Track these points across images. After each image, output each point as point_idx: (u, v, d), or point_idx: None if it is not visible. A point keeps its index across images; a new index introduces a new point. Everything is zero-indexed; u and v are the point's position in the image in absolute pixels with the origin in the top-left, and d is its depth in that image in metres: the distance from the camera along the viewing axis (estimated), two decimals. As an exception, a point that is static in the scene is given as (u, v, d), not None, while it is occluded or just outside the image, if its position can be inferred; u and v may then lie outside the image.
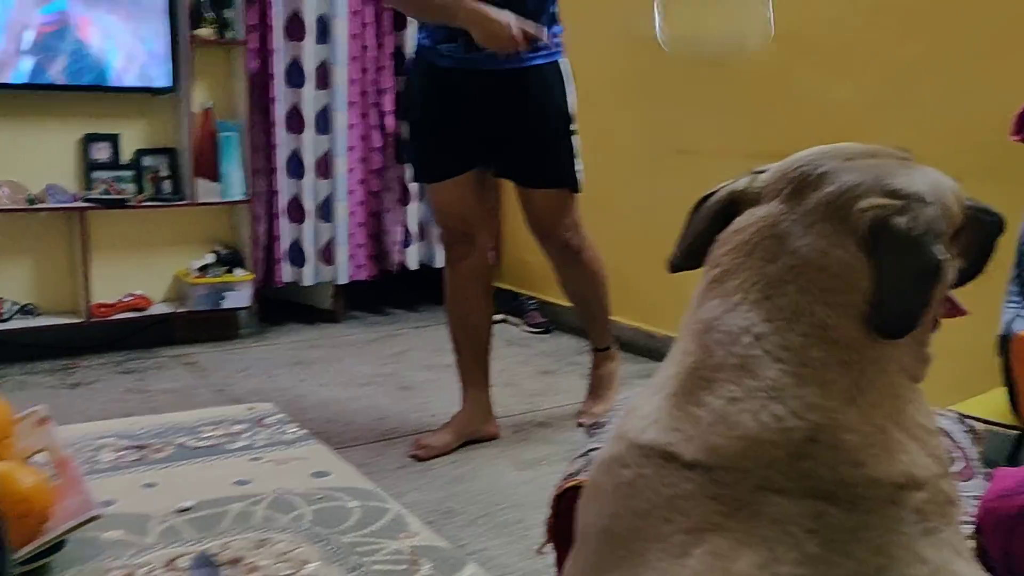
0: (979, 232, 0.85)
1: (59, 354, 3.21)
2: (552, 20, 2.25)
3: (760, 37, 2.16)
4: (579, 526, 0.80)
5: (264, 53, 3.51)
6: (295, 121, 3.60)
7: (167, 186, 3.44)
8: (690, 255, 0.85)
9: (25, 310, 3.21)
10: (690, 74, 3.04)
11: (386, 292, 4.13)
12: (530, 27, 2.11)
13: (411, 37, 3.75)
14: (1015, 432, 1.87)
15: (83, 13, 3.17)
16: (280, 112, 3.55)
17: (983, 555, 0.89)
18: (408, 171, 3.85)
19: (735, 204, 0.82)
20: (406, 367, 3.17)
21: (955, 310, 0.88)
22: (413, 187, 3.86)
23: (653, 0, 2.19)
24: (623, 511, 0.73)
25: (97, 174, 3.33)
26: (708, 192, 0.86)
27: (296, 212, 3.65)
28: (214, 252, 3.49)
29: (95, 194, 3.25)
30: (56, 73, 3.15)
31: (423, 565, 1.67)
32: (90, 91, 3.26)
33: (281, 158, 3.58)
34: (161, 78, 3.31)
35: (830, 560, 0.65)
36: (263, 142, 3.57)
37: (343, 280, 3.76)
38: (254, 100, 3.51)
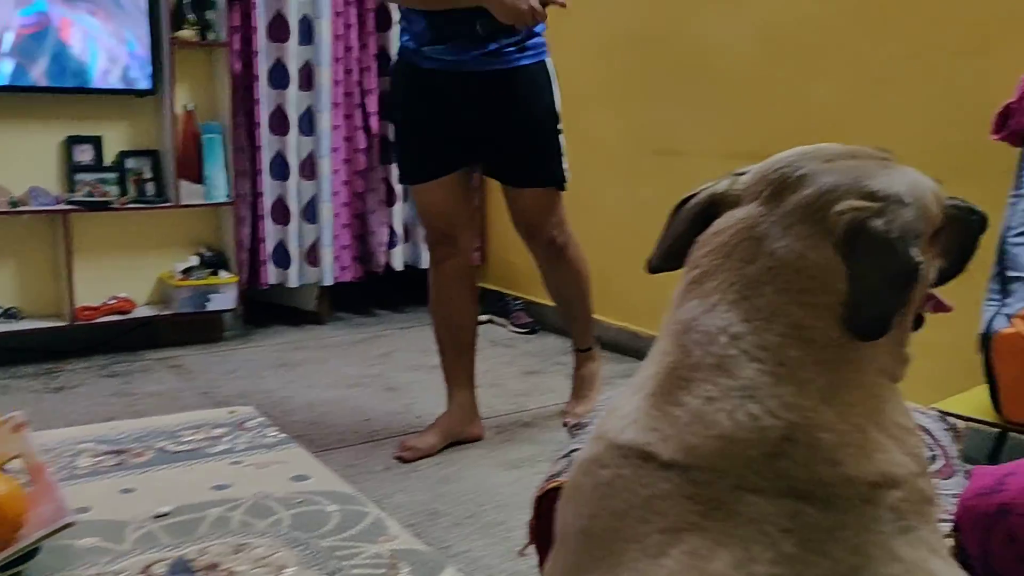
0: (961, 231, 0.85)
1: (43, 358, 3.19)
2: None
3: None
4: (558, 527, 0.80)
5: (248, 54, 3.50)
6: (279, 122, 3.58)
7: (150, 188, 3.43)
8: (669, 257, 0.85)
9: (8, 313, 3.19)
10: (671, 74, 3.04)
11: (371, 293, 4.12)
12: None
13: (395, 38, 3.75)
14: (996, 430, 1.88)
15: (63, 15, 3.16)
16: (264, 114, 3.54)
17: (962, 553, 0.89)
18: (394, 172, 3.85)
19: (715, 206, 0.83)
20: (392, 368, 3.16)
21: (940, 307, 0.88)
22: (398, 188, 3.85)
23: None
24: (601, 511, 0.73)
25: (80, 176, 3.31)
26: (688, 194, 0.86)
27: (281, 214, 3.64)
28: (198, 254, 3.48)
29: (78, 196, 3.24)
30: (37, 75, 3.13)
31: (402, 569, 1.67)
32: (72, 93, 3.24)
33: (265, 160, 3.57)
34: (142, 80, 3.29)
35: (806, 559, 0.65)
36: (247, 144, 3.56)
37: (328, 282, 3.75)
38: (238, 102, 3.49)
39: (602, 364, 2.68)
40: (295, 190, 3.64)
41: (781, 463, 0.68)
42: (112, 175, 3.37)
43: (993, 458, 2.00)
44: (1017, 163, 1.81)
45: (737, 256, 0.76)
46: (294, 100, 3.58)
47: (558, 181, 2.36)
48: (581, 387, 2.59)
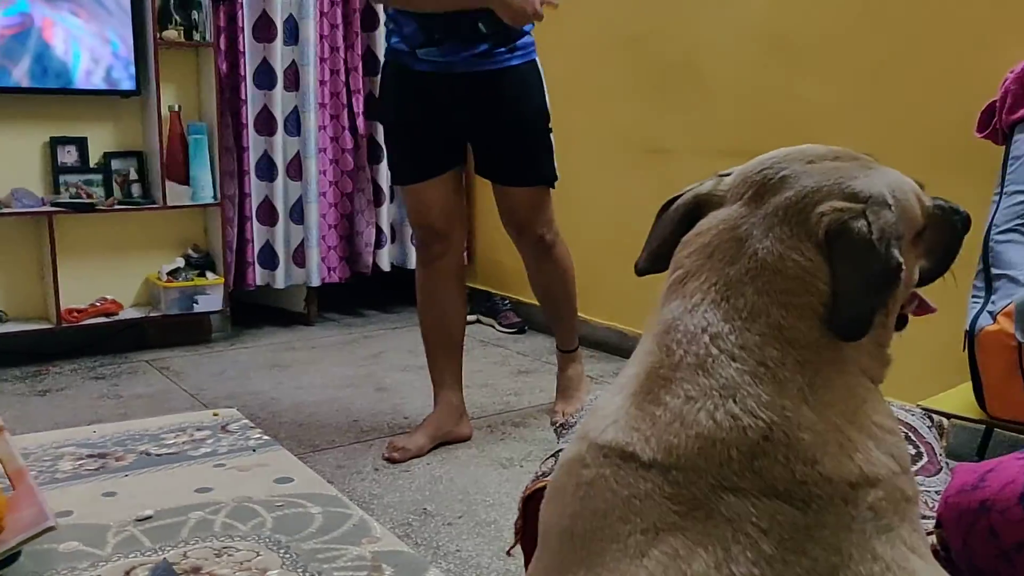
0: (944, 231, 0.86)
1: (28, 360, 3.17)
2: None
3: None
4: (541, 527, 0.80)
5: (233, 55, 3.49)
6: (265, 123, 3.57)
7: (136, 189, 3.41)
8: (656, 258, 0.85)
9: (-7, 316, 3.17)
10: (660, 73, 3.04)
11: (359, 294, 4.11)
12: None
13: (381, 38, 3.74)
14: (982, 426, 1.88)
15: (46, 15, 3.14)
16: (250, 114, 3.53)
17: (945, 549, 0.89)
18: (381, 172, 3.84)
19: (700, 207, 0.83)
20: (381, 369, 3.15)
21: (923, 307, 0.89)
22: (385, 188, 3.85)
23: None
24: (583, 511, 0.73)
25: (65, 178, 3.29)
26: (674, 196, 0.87)
27: (267, 215, 3.63)
28: (185, 256, 3.47)
29: (63, 198, 3.22)
30: (20, 75, 3.11)
31: (385, 570, 1.66)
32: (55, 94, 3.22)
33: (252, 160, 3.56)
34: (126, 80, 3.28)
35: (785, 559, 0.65)
36: (234, 144, 3.54)
37: (315, 283, 3.74)
38: (224, 102, 3.48)
39: (585, 365, 2.69)
40: (282, 191, 3.63)
41: (760, 463, 0.68)
42: (97, 176, 3.35)
43: (981, 454, 2.00)
44: (1001, 161, 1.82)
45: (719, 257, 0.77)
46: (280, 100, 3.56)
47: (548, 179, 2.38)
48: (567, 387, 2.60)
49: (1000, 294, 1.66)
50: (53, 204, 3.19)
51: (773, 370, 0.71)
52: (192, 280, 3.39)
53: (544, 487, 1.02)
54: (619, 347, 3.20)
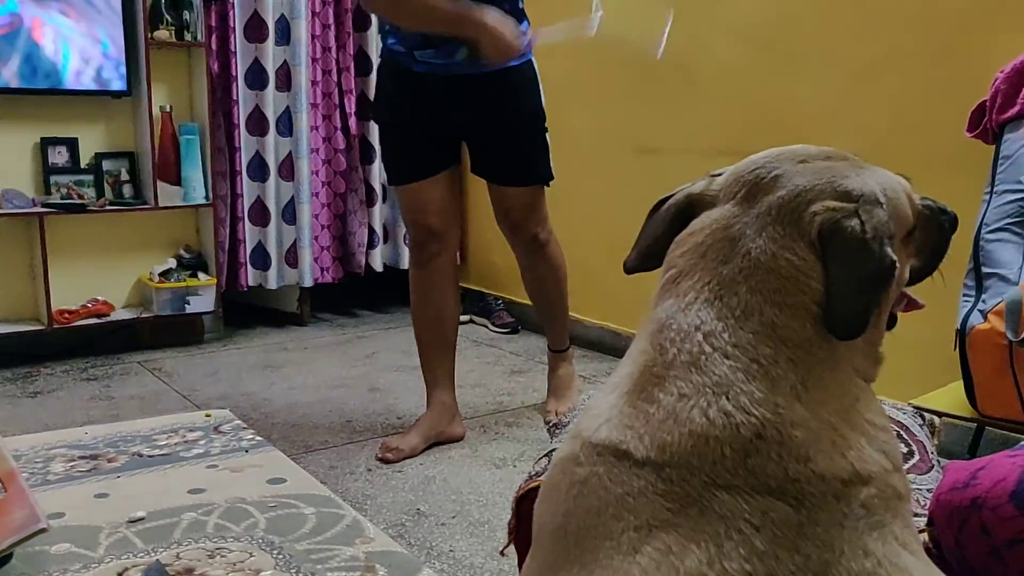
0: (932, 231, 0.86)
1: (20, 362, 3.16)
2: (520, 17, 2.28)
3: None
4: (535, 525, 0.80)
5: (225, 55, 3.48)
6: (257, 123, 3.56)
7: (128, 190, 3.40)
8: (646, 257, 0.86)
9: (-17, 318, 3.16)
10: (651, 72, 3.04)
11: (352, 294, 4.10)
12: (523, 35, 2.16)
13: (373, 39, 3.74)
14: (974, 424, 1.88)
15: (35, 15, 3.12)
16: (242, 114, 3.52)
17: (936, 546, 0.90)
18: (373, 172, 3.84)
19: (692, 207, 0.83)
20: (374, 369, 3.15)
21: (912, 305, 0.89)
22: (378, 188, 3.84)
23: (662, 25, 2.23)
24: (576, 509, 0.73)
25: (56, 178, 3.28)
26: (665, 196, 0.87)
27: (260, 215, 3.62)
28: (177, 257, 3.46)
29: (54, 199, 3.21)
30: (10, 76, 3.10)
31: (378, 571, 1.65)
32: (46, 94, 3.21)
33: (244, 161, 3.55)
34: (116, 80, 3.27)
35: (778, 555, 0.66)
36: (226, 145, 3.53)
37: (308, 283, 3.73)
38: (216, 102, 3.47)
39: (578, 365, 2.70)
40: (274, 191, 3.62)
41: (753, 460, 0.68)
42: (88, 177, 3.34)
43: (972, 452, 2.01)
44: (992, 161, 1.82)
45: (712, 256, 0.77)
46: (272, 101, 3.56)
47: (544, 179, 2.39)
48: (559, 387, 2.61)
49: (991, 293, 1.67)
50: (44, 205, 3.18)
51: (766, 368, 0.71)
52: (184, 281, 3.39)
53: (537, 487, 1.03)
54: (612, 347, 3.21)
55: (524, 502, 1.13)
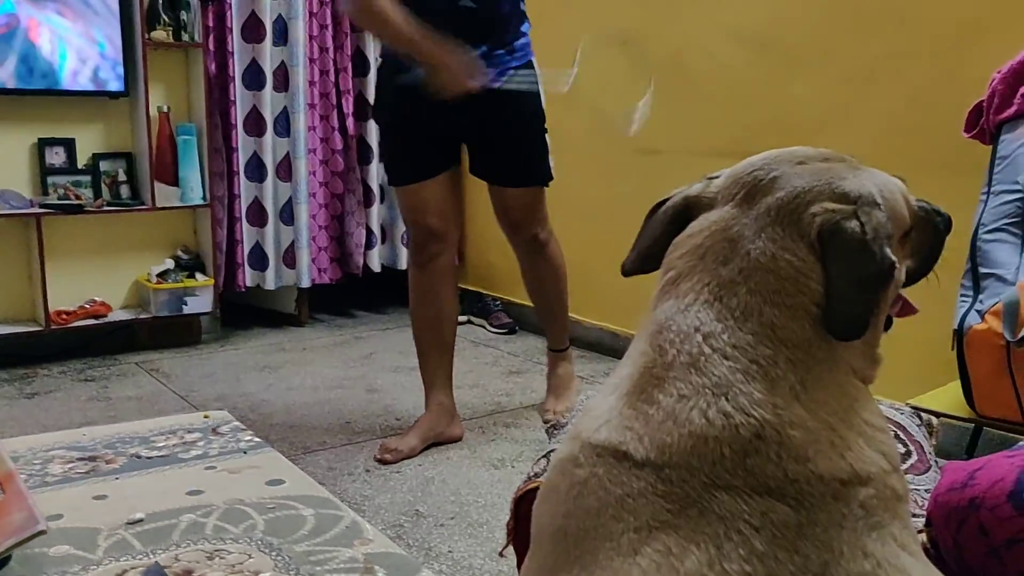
0: (928, 232, 0.87)
1: (17, 363, 3.16)
2: (522, 18, 2.28)
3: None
4: (534, 527, 0.80)
5: (222, 55, 3.48)
6: (255, 124, 3.56)
7: (125, 191, 3.40)
8: (644, 259, 0.86)
9: (-20, 319, 3.16)
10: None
11: (350, 295, 4.10)
12: (483, 75, 2.15)
13: (370, 39, 3.74)
14: (971, 424, 1.89)
15: (32, 15, 3.12)
16: (239, 115, 3.52)
17: (935, 547, 0.90)
18: (371, 173, 3.83)
19: (690, 209, 0.83)
20: (372, 370, 3.15)
21: (906, 308, 0.90)
22: (376, 189, 3.84)
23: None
24: (576, 510, 0.73)
25: (53, 179, 3.28)
26: (662, 199, 0.87)
27: (257, 216, 3.62)
28: (174, 257, 3.45)
29: (51, 199, 3.20)
30: (6, 76, 3.10)
31: (377, 572, 1.65)
32: (43, 95, 3.21)
33: (241, 161, 3.55)
34: (113, 81, 3.26)
35: (777, 556, 0.66)
36: (223, 145, 3.53)
37: (305, 284, 3.73)
38: (213, 103, 3.47)
39: (576, 365, 2.70)
40: (272, 192, 3.62)
41: (753, 460, 0.68)
42: (86, 178, 3.34)
43: (970, 453, 2.02)
44: (989, 161, 1.83)
45: (712, 257, 0.77)
46: (269, 101, 3.55)
47: (544, 180, 2.40)
48: (558, 386, 2.61)
49: (988, 293, 1.67)
50: (41, 206, 3.18)
51: (765, 368, 0.71)
52: (181, 282, 3.38)
53: (536, 488, 1.03)
54: (611, 347, 3.21)
55: (523, 503, 1.13)
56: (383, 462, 2.26)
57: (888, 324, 0.85)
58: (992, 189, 1.78)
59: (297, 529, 1.82)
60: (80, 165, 3.34)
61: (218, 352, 3.40)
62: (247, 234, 3.60)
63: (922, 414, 1.33)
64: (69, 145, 3.32)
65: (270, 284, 3.66)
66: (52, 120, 3.29)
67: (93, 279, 3.36)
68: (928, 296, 0.92)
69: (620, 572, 0.68)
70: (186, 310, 3.38)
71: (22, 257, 3.26)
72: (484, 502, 2.04)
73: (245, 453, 2.25)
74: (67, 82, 3.20)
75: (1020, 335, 1.55)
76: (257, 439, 2.36)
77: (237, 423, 2.49)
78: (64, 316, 3.21)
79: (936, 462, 1.20)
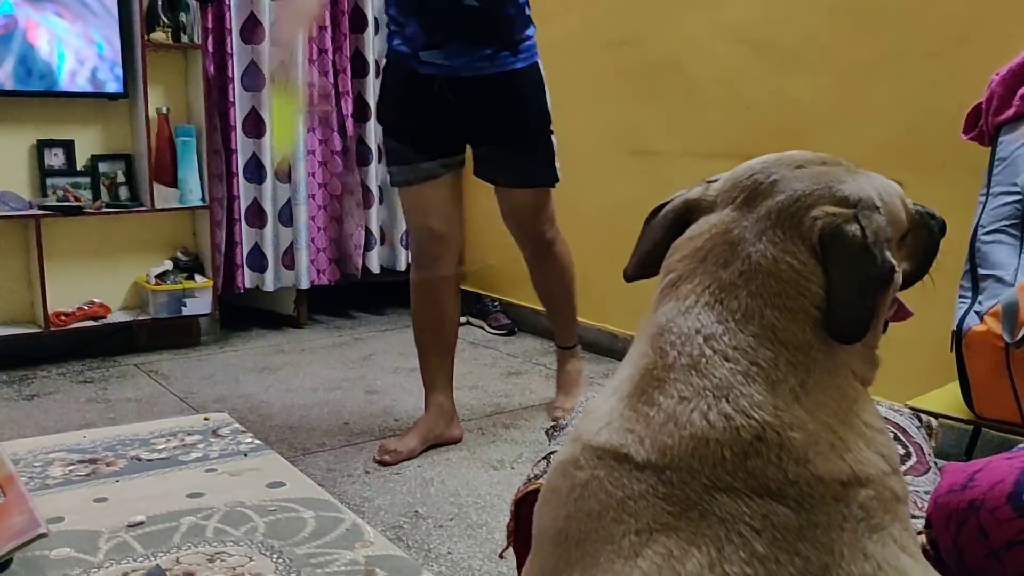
0: (923, 235, 0.87)
1: (16, 365, 3.15)
2: (527, 22, 2.28)
3: None
4: (535, 529, 0.81)
5: (222, 56, 3.47)
6: (254, 125, 3.56)
7: (124, 192, 3.40)
8: (645, 264, 0.86)
9: (-21, 321, 3.15)
10: (648, 75, 3.05)
11: (349, 296, 4.10)
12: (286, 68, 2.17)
13: (370, 40, 3.74)
14: (971, 426, 1.89)
15: (30, 16, 3.12)
16: (238, 116, 3.52)
17: (934, 549, 0.90)
18: (370, 174, 3.83)
19: (689, 212, 0.84)
20: (371, 371, 3.15)
21: (901, 311, 0.90)
22: (374, 190, 3.84)
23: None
24: (577, 513, 0.74)
25: (52, 180, 3.28)
26: (661, 203, 0.87)
27: (256, 217, 3.62)
28: (173, 259, 3.45)
29: (50, 201, 3.20)
30: (4, 78, 3.09)
31: (378, 575, 1.65)
32: (41, 96, 3.20)
33: (240, 163, 3.54)
34: (111, 82, 3.26)
35: (778, 558, 0.66)
36: (222, 147, 3.53)
37: (304, 285, 3.73)
38: (212, 104, 3.46)
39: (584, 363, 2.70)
40: (271, 193, 3.62)
41: (753, 462, 0.69)
42: (85, 179, 3.34)
43: (969, 454, 2.02)
44: (988, 162, 1.83)
45: (712, 260, 0.77)
46: (268, 102, 3.55)
47: (550, 182, 2.40)
48: (567, 383, 2.62)
49: (987, 294, 1.68)
50: (40, 207, 3.17)
51: (766, 370, 0.71)
52: (180, 283, 3.38)
53: (536, 490, 1.03)
54: (610, 348, 3.21)
55: (523, 505, 1.13)
56: (382, 463, 2.26)
57: (884, 327, 0.85)
58: (991, 190, 1.79)
59: (298, 532, 1.83)
60: (79, 166, 3.34)
61: (217, 353, 3.40)
62: (246, 235, 3.60)
63: (921, 415, 1.33)
64: (68, 147, 3.32)
65: (269, 285, 3.66)
66: (51, 121, 3.28)
67: (92, 280, 3.35)
68: (927, 298, 0.92)
69: (621, 575, 0.68)
70: (185, 311, 3.38)
71: (21, 258, 3.26)
72: (483, 503, 2.04)
73: (245, 455, 2.25)
74: (66, 83, 3.20)
75: (1019, 336, 1.55)
76: (257, 441, 2.36)
77: (237, 425, 2.49)
78: (63, 317, 3.21)
79: (935, 463, 1.20)
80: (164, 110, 3.36)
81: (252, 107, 3.54)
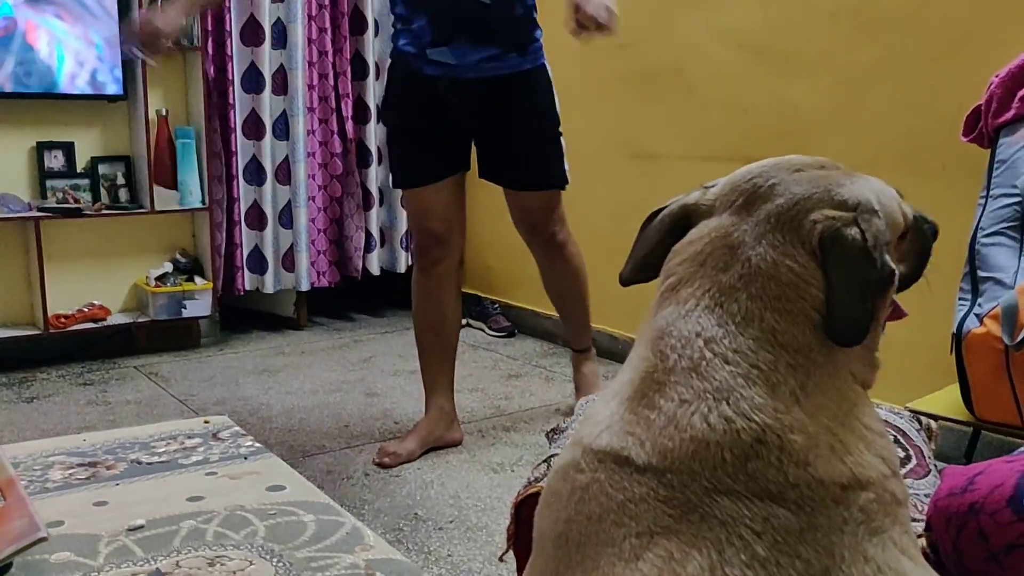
0: (918, 238, 0.88)
1: (16, 367, 3.15)
2: (535, 25, 2.28)
3: None
4: (536, 533, 0.81)
5: (221, 59, 3.48)
6: (254, 127, 3.56)
7: (124, 194, 3.40)
8: (643, 268, 0.87)
9: (-21, 323, 3.15)
10: (649, 78, 3.05)
11: (349, 298, 4.10)
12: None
13: (370, 42, 3.74)
14: (970, 428, 1.89)
15: (29, 18, 3.12)
16: (238, 118, 3.52)
17: (934, 552, 0.90)
18: (370, 176, 3.84)
19: (687, 217, 0.84)
20: (371, 373, 3.15)
21: (897, 312, 0.91)
22: (375, 192, 3.84)
23: None
24: (578, 516, 0.74)
25: (52, 183, 3.28)
26: (658, 208, 0.88)
27: (256, 219, 3.62)
28: (173, 261, 3.45)
29: (50, 203, 3.20)
30: (4, 79, 3.10)
31: (379, 578, 1.65)
32: (41, 98, 3.21)
33: (240, 165, 3.55)
34: (111, 84, 3.26)
35: (779, 561, 0.66)
36: (222, 149, 3.53)
37: (304, 287, 3.73)
38: (212, 106, 3.47)
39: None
40: (271, 195, 3.62)
41: (754, 465, 0.69)
42: (85, 181, 3.34)
43: (969, 457, 2.02)
44: (987, 164, 1.83)
45: (712, 264, 0.78)
46: (268, 104, 3.55)
47: (560, 183, 2.39)
48: (584, 385, 2.63)
49: (986, 297, 1.68)
50: (40, 209, 3.18)
51: (766, 373, 0.72)
52: (180, 285, 3.38)
53: (536, 493, 1.03)
54: (609, 350, 3.21)
55: (523, 508, 1.13)
56: (382, 466, 2.26)
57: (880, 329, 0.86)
58: (991, 193, 1.79)
59: (298, 535, 1.82)
60: (79, 168, 3.34)
61: (217, 356, 3.40)
62: (246, 237, 3.60)
63: (921, 418, 1.34)
64: (68, 148, 3.32)
65: (269, 287, 3.66)
66: (51, 123, 3.29)
67: (92, 282, 3.36)
68: (926, 300, 0.93)
69: (621, 578, 0.68)
70: (185, 314, 3.38)
71: (21, 261, 3.26)
72: (483, 506, 2.04)
73: (246, 459, 2.25)
74: (65, 85, 3.20)
75: (1019, 339, 1.55)
76: (258, 445, 2.36)
77: (237, 428, 2.49)
78: (63, 320, 3.21)
79: (935, 466, 1.20)
80: (164, 112, 3.37)
81: (252, 109, 3.54)
